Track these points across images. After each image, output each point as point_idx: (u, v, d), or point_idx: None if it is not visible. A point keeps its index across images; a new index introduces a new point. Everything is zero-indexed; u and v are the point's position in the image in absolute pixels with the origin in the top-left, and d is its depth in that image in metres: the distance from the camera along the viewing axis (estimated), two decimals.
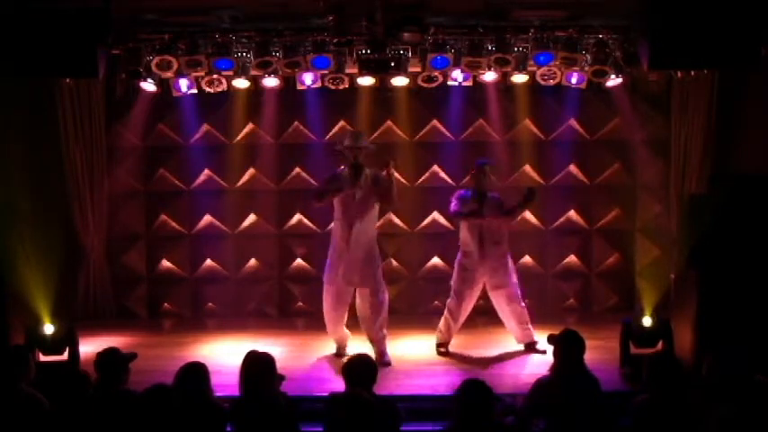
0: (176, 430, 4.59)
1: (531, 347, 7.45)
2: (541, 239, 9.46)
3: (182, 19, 7.65)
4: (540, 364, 5.96)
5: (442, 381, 6.60)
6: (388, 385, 6.29)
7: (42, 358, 6.62)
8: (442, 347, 7.59)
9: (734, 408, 4.05)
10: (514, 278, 7.51)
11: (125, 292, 9.46)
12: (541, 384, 4.96)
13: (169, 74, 8.11)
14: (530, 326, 7.50)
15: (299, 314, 9.41)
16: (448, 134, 9.32)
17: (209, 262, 9.51)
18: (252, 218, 9.47)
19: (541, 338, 6.84)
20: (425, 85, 8.63)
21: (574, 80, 8.31)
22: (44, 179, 8.67)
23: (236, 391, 4.88)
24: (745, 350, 4.94)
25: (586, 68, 8.10)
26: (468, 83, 8.61)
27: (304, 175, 9.36)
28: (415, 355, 7.56)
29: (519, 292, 7.50)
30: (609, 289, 9.43)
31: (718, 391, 4.64)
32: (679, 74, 8.52)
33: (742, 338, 6.02)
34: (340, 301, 7.32)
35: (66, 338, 6.76)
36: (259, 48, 7.91)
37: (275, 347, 7.00)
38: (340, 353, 7.47)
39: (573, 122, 9.25)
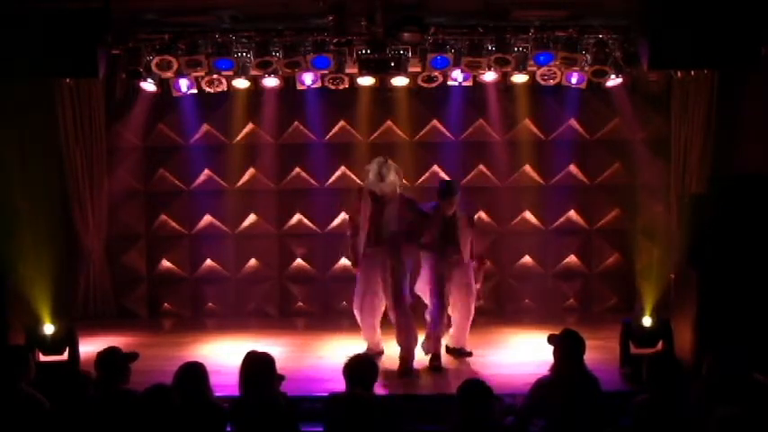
0: (176, 430, 4.59)
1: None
2: (541, 239, 9.45)
3: (182, 19, 7.65)
4: (540, 364, 5.93)
5: (442, 381, 6.59)
6: (388, 385, 6.29)
7: (42, 358, 6.62)
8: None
9: (735, 408, 4.05)
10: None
11: (125, 292, 9.46)
12: (541, 384, 4.96)
13: (169, 74, 8.11)
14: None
15: (299, 314, 9.41)
16: (448, 134, 9.31)
17: (209, 262, 9.51)
18: (252, 218, 9.47)
19: (535, 340, 6.80)
20: (425, 85, 8.62)
21: (574, 80, 8.30)
22: (44, 179, 8.66)
23: (236, 391, 4.88)
24: (745, 350, 4.94)
25: (586, 68, 8.10)
26: (468, 83, 8.61)
27: (304, 175, 9.36)
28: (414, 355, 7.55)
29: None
30: (609, 289, 9.43)
31: (718, 391, 4.65)
32: (679, 74, 8.53)
33: (742, 338, 6.02)
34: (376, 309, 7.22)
35: (67, 338, 6.76)
36: (259, 48, 7.91)
37: (275, 347, 6.99)
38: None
39: (573, 122, 9.24)
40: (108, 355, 5.05)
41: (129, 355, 5.12)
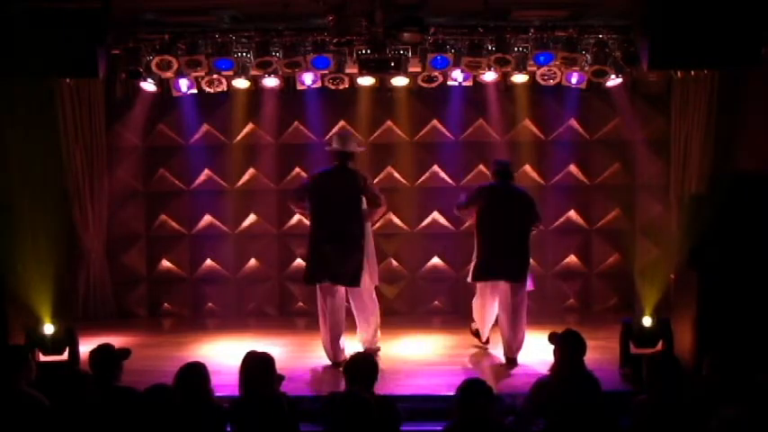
0: (176, 430, 4.59)
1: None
2: (541, 239, 9.43)
3: (182, 19, 7.65)
4: (540, 364, 5.96)
5: (442, 381, 6.60)
6: (388, 385, 6.29)
7: (42, 358, 6.62)
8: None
9: (737, 408, 4.05)
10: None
11: (125, 292, 9.46)
12: (541, 384, 4.96)
13: (169, 74, 8.10)
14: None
15: (299, 314, 9.40)
16: (448, 134, 9.31)
17: (209, 262, 9.51)
18: (252, 218, 9.47)
19: (535, 340, 6.82)
20: (425, 85, 8.62)
21: (574, 80, 8.29)
22: (44, 179, 8.65)
23: (236, 391, 4.88)
24: (745, 350, 4.94)
25: (586, 68, 8.09)
26: (469, 83, 8.60)
27: (304, 175, 9.31)
28: (415, 355, 7.56)
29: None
30: (609, 289, 9.42)
31: (718, 391, 4.65)
32: (679, 74, 8.53)
33: (742, 338, 6.02)
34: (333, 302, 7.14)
35: (66, 338, 6.77)
36: (259, 48, 7.91)
37: (275, 347, 7.00)
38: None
39: (573, 122, 9.24)
40: (101, 352, 5.06)
41: (121, 352, 5.13)
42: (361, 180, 7.12)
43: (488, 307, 7.32)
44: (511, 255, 7.07)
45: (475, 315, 7.55)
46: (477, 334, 7.68)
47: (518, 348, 7.12)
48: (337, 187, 7.07)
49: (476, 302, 7.46)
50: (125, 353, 5.15)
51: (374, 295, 7.38)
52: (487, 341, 7.65)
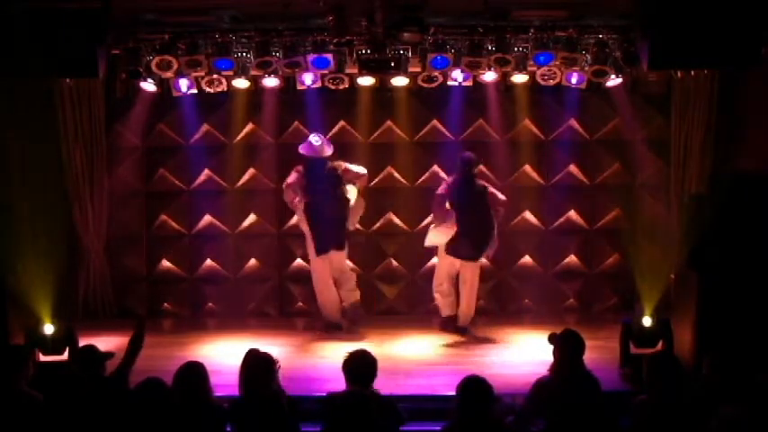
0: (175, 430, 4.59)
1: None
2: (541, 239, 9.45)
3: (182, 19, 7.66)
4: (540, 364, 5.94)
5: (442, 381, 6.60)
6: (388, 385, 6.27)
7: (42, 358, 6.62)
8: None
9: (737, 408, 4.05)
10: None
11: (125, 292, 9.45)
12: (541, 384, 4.96)
13: (169, 74, 8.10)
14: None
15: (299, 314, 9.40)
16: (448, 134, 9.31)
17: (209, 262, 9.50)
18: (252, 218, 9.46)
19: (535, 340, 6.83)
20: (425, 85, 8.62)
21: (574, 80, 8.30)
22: (44, 179, 8.65)
23: (236, 391, 4.88)
24: (745, 350, 4.94)
25: (586, 68, 8.10)
26: (469, 83, 8.61)
27: None
28: (414, 355, 7.57)
29: None
30: (609, 289, 9.42)
31: (718, 391, 4.65)
32: (679, 74, 8.54)
33: (742, 338, 6.03)
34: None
35: (66, 338, 6.77)
36: (259, 48, 7.91)
37: (275, 347, 6.99)
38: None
39: (573, 122, 9.24)
40: (84, 354, 5.09)
41: (105, 355, 5.16)
42: (337, 171, 8.10)
43: (448, 275, 8.23)
44: (474, 238, 8.02)
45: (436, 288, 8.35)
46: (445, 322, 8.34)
47: (467, 318, 8.21)
48: (322, 183, 8.04)
49: (436, 276, 8.35)
50: (108, 355, 5.18)
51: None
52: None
